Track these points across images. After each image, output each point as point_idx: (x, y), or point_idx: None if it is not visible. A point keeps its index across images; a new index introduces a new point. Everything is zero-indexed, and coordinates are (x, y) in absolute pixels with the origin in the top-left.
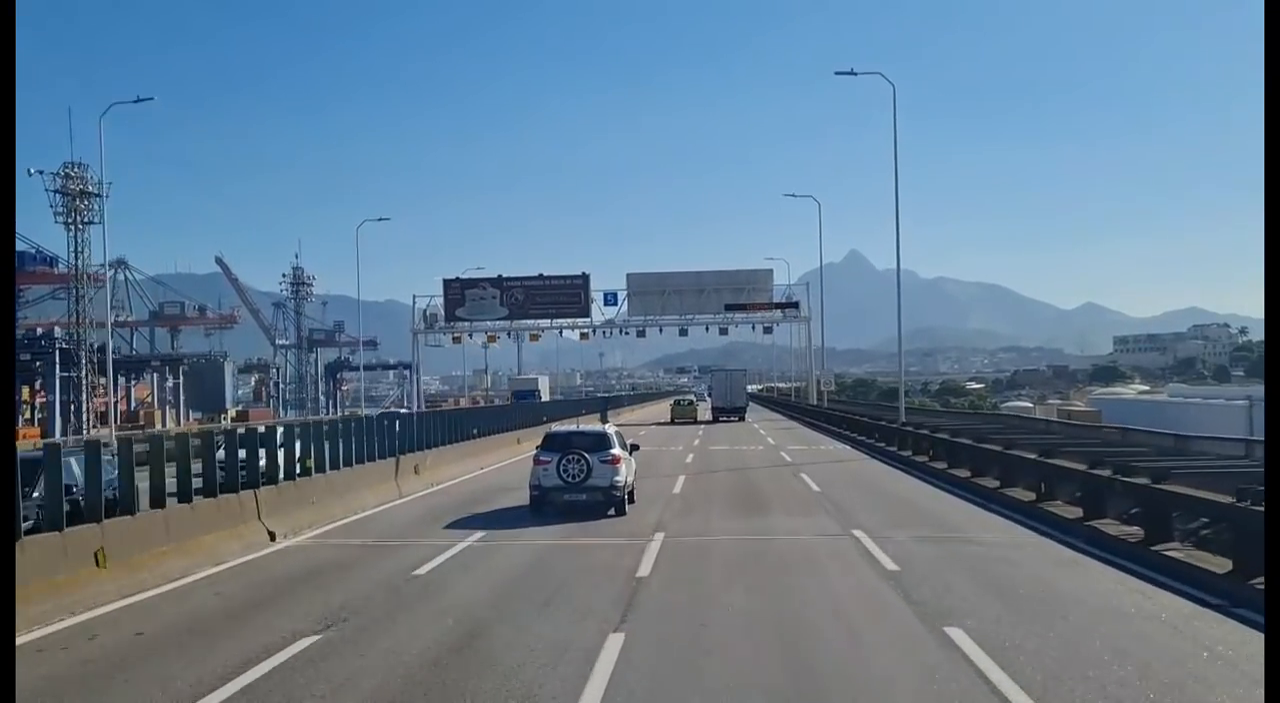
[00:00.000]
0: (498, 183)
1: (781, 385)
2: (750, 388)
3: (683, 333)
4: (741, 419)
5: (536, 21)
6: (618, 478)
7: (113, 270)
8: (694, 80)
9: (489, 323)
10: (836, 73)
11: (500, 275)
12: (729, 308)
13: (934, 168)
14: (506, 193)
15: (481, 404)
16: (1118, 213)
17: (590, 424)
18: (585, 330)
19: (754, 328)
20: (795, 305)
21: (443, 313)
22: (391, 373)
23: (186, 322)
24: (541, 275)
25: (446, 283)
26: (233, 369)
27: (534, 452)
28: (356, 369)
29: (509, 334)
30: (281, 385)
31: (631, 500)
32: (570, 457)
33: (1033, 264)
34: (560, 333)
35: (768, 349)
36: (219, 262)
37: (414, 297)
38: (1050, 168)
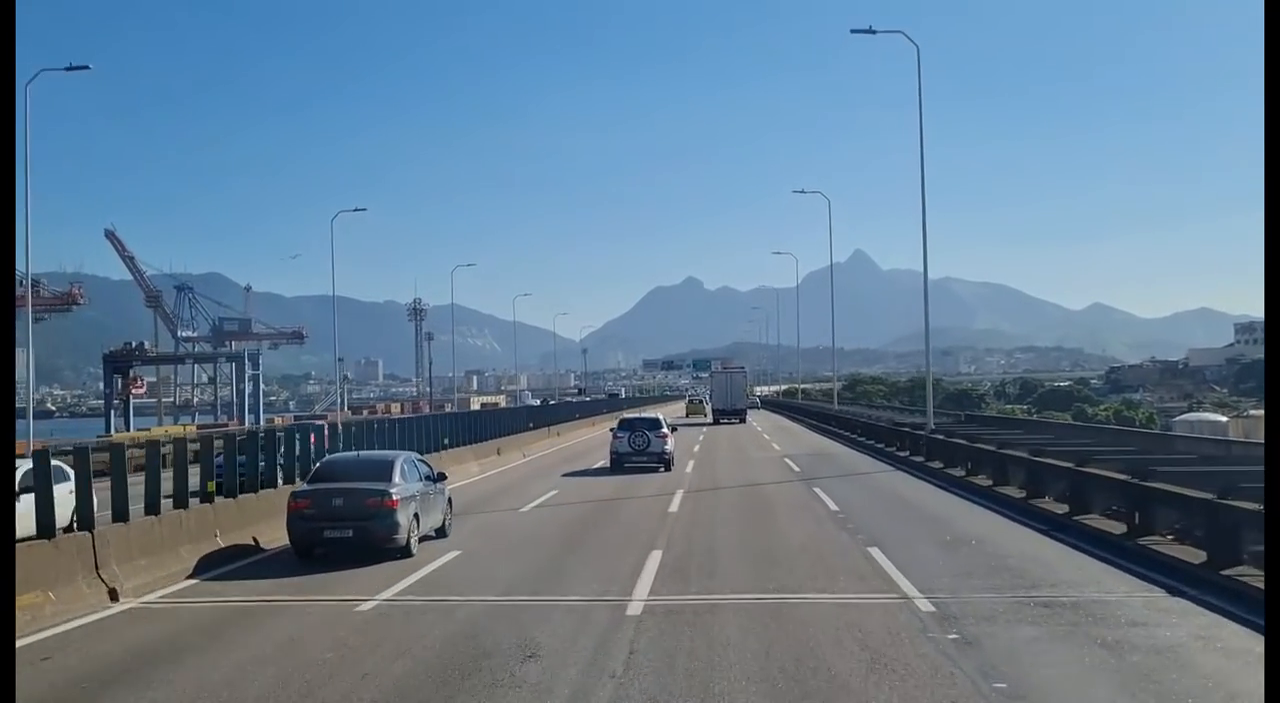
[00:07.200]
0: (495, 180)
1: (807, 386)
2: (760, 390)
3: None
4: (742, 421)
5: (527, 13)
6: (667, 447)
7: None
8: (691, 74)
9: None
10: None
11: None
12: None
13: (937, 167)
14: (505, 189)
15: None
16: (1123, 212)
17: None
18: None
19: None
20: None
21: None
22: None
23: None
24: None
25: None
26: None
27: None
28: (155, 361)
29: None
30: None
31: (674, 462)
32: (637, 433)
33: (1038, 264)
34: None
35: (772, 349)
36: (109, 235)
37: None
38: (1054, 166)
